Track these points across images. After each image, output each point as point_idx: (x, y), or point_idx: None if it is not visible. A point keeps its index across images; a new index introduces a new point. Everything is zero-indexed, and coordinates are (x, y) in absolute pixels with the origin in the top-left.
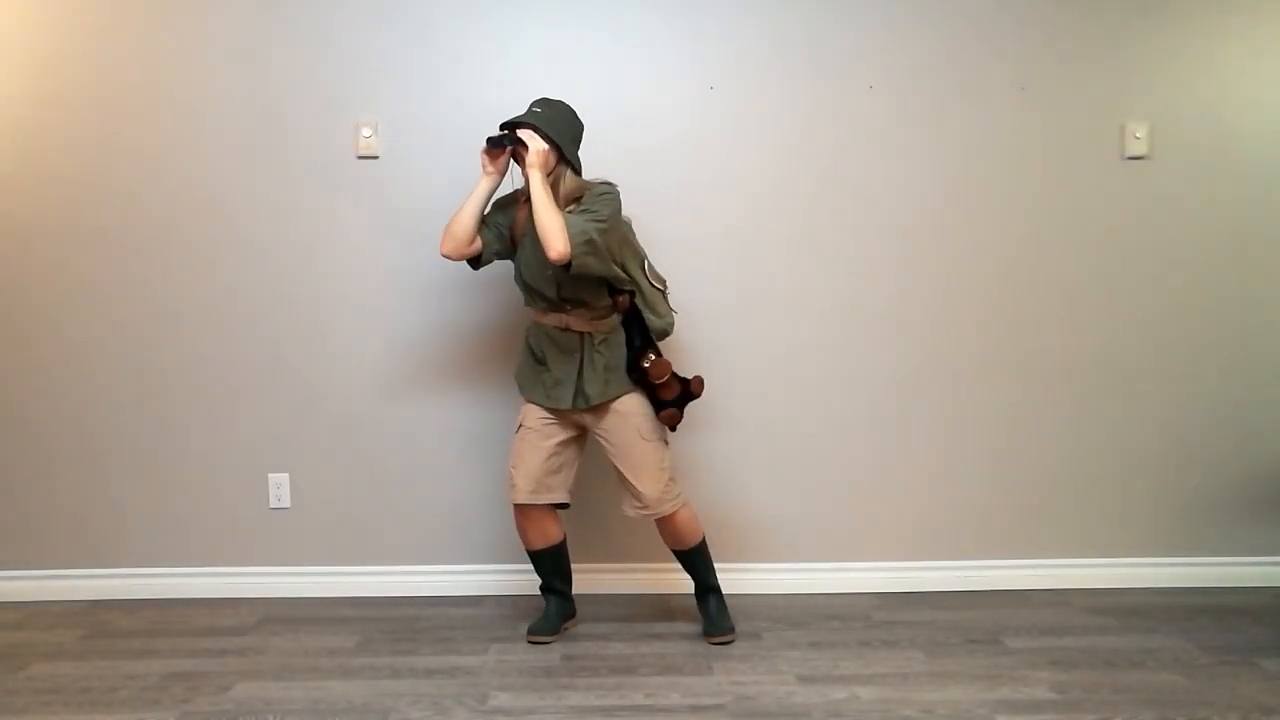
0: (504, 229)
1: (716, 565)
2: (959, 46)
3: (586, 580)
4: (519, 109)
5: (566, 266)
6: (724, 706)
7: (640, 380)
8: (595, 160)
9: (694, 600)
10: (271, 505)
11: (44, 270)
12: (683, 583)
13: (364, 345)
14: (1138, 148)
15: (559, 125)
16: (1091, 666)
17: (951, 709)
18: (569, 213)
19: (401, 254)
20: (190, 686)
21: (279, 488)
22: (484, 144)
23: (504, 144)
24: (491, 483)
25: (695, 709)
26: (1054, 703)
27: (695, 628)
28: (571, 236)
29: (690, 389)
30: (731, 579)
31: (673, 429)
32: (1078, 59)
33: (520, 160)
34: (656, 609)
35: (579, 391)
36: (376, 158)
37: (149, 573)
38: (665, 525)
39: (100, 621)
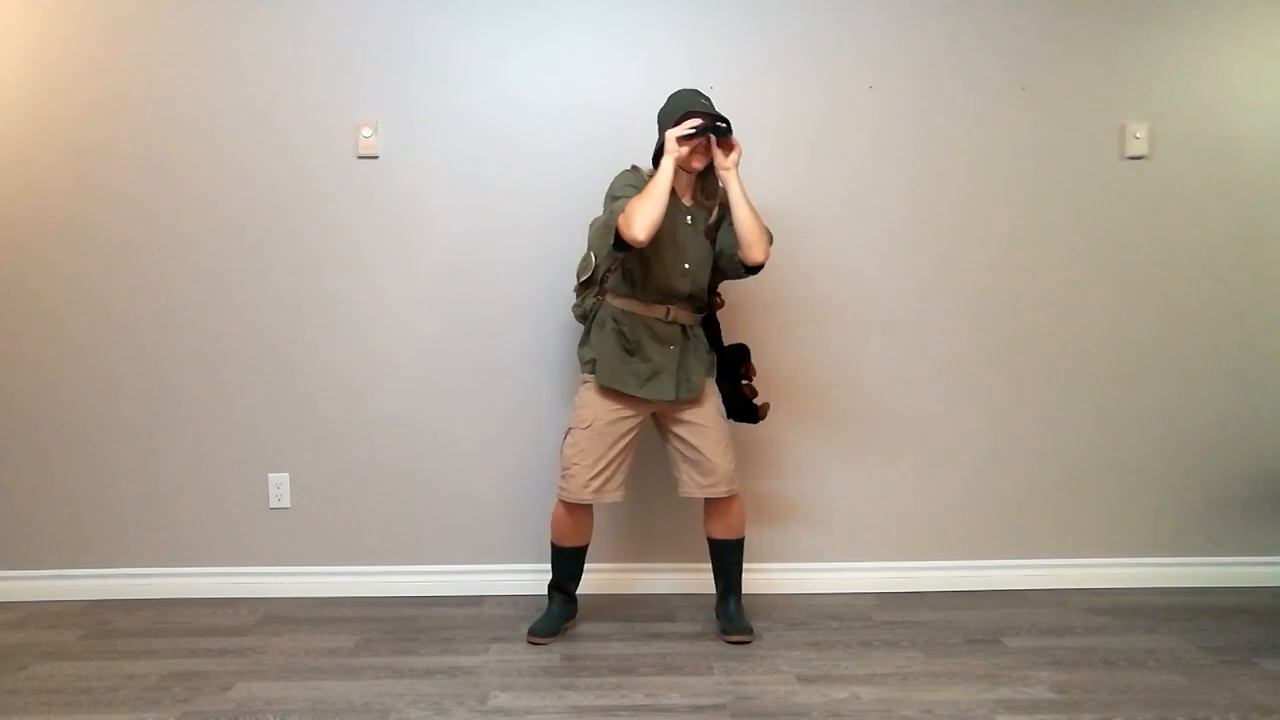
0: None
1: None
2: (959, 46)
3: (586, 580)
4: (519, 109)
5: (754, 268)
6: (724, 706)
7: (739, 377)
8: (595, 160)
9: (695, 600)
10: (271, 505)
11: (43, 271)
12: (682, 583)
13: (364, 345)
14: (1138, 148)
15: None
16: (1091, 666)
17: (951, 709)
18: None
19: (401, 254)
20: (190, 686)
21: (279, 488)
22: (686, 129)
23: (709, 133)
24: (491, 483)
25: (695, 709)
26: (1054, 703)
27: (695, 628)
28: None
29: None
30: None
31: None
32: (1078, 59)
33: (697, 151)
34: (656, 609)
35: (682, 382)
36: (376, 158)
37: (149, 573)
38: (726, 508)
39: (100, 621)
